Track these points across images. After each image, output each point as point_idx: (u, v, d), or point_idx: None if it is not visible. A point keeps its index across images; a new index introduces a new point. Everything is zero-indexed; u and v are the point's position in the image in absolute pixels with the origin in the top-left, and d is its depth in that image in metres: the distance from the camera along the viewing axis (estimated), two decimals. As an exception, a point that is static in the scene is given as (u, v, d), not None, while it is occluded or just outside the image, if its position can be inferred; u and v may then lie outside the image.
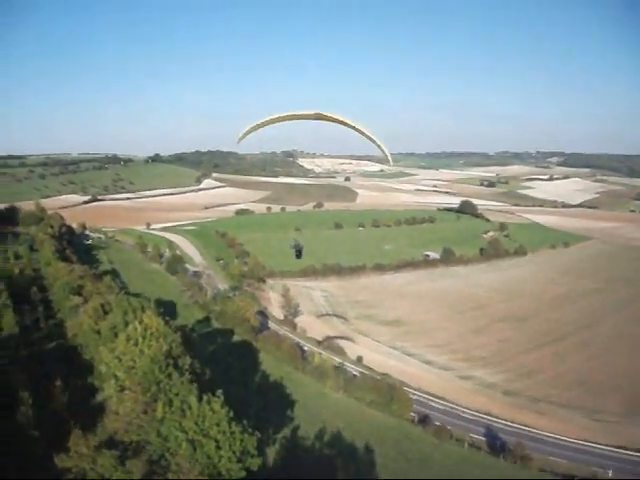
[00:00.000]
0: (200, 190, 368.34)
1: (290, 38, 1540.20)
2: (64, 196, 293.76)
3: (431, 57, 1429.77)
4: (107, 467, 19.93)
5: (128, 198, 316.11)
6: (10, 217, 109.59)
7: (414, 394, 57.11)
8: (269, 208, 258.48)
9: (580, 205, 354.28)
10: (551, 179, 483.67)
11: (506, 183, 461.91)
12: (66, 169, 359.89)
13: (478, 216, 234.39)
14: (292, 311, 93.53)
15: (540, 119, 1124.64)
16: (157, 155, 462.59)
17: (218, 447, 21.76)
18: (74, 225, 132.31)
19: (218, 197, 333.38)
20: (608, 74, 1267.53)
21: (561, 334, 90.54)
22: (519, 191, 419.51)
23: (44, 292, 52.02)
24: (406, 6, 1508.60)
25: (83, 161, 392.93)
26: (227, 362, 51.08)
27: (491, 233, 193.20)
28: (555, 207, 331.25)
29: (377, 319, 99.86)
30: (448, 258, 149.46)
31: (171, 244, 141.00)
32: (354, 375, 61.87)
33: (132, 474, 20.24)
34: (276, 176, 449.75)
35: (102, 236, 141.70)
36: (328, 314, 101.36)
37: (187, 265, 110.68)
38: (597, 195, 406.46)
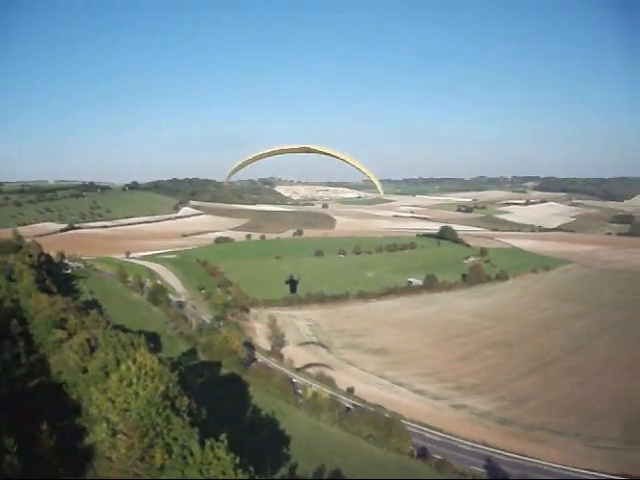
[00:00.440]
0: (178, 218, 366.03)
1: (261, 71, 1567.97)
2: (41, 224, 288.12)
3: (403, 84, 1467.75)
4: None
5: (105, 226, 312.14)
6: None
7: (409, 426, 55.58)
8: (249, 236, 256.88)
9: (557, 229, 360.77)
10: (527, 203, 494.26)
11: (483, 208, 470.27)
12: (43, 197, 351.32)
13: (458, 242, 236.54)
14: (279, 342, 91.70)
15: (515, 144, 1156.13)
16: (134, 183, 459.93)
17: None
18: (52, 254, 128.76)
19: (196, 225, 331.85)
20: (582, 99, 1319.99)
21: (550, 359, 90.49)
22: (497, 216, 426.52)
23: (24, 325, 48.97)
24: (375, 33, 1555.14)
25: (60, 189, 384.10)
26: (216, 396, 49.08)
27: (472, 258, 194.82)
28: (533, 231, 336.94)
29: (363, 348, 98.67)
30: (431, 284, 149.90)
31: (152, 273, 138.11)
32: (347, 408, 60.26)
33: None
34: (254, 203, 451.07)
35: (81, 265, 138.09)
36: (314, 343, 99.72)
37: (170, 295, 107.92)
38: (573, 219, 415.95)
